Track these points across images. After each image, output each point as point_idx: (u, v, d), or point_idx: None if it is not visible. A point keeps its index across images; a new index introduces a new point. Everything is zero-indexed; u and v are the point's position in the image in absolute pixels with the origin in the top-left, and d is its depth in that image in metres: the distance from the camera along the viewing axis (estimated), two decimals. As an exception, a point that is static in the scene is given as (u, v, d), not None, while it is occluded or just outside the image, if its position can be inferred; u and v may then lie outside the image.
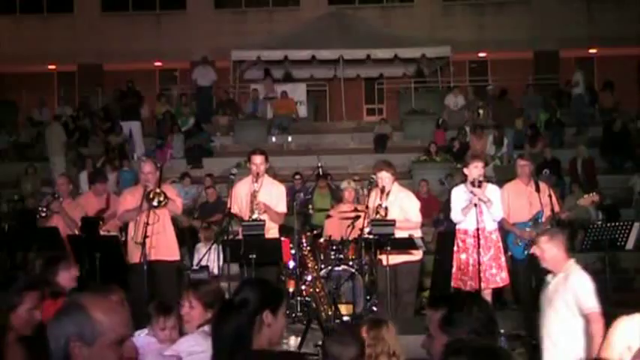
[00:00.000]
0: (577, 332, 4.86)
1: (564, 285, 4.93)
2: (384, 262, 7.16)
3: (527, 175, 7.96)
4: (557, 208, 7.84)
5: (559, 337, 4.97)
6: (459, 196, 7.60)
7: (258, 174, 7.46)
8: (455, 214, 7.60)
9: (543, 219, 7.70)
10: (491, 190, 7.59)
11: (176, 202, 7.58)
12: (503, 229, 7.87)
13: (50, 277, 4.70)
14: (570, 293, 4.87)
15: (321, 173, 11.22)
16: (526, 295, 7.64)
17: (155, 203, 7.23)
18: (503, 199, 7.81)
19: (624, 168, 15.22)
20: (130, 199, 7.60)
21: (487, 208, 7.35)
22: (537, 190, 7.74)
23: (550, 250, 5.02)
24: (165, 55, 21.86)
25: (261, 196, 7.41)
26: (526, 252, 7.61)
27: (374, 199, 7.51)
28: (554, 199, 7.93)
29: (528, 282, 7.45)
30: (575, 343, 4.85)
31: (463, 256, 7.52)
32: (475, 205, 7.28)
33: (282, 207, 7.63)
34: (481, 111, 17.50)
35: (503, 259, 7.53)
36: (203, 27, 21.39)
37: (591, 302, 4.80)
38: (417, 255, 7.46)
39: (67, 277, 4.91)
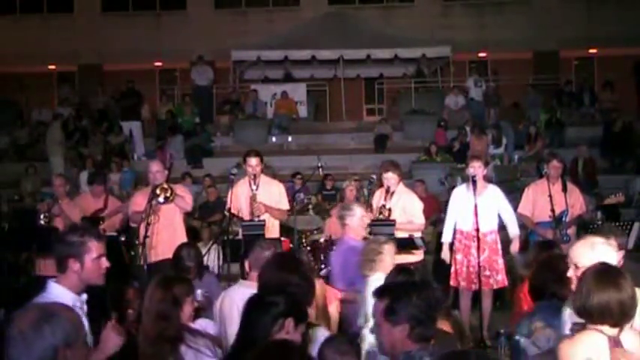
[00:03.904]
0: None
1: None
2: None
3: (557, 176, 7.96)
4: (583, 209, 7.90)
5: None
6: (457, 196, 7.63)
7: (254, 176, 7.40)
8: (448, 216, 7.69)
9: (568, 218, 7.70)
10: (491, 190, 7.60)
11: (185, 199, 7.46)
12: (527, 227, 7.94)
13: None
14: None
15: (321, 173, 11.21)
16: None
17: (161, 199, 7.14)
18: (527, 197, 7.91)
19: (625, 168, 15.20)
20: (141, 200, 7.48)
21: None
22: (564, 189, 7.77)
23: None
24: (165, 55, 21.82)
25: (261, 197, 7.35)
26: None
27: (378, 199, 7.47)
28: (581, 199, 7.99)
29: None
30: None
31: (459, 257, 7.53)
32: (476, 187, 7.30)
33: (283, 204, 7.57)
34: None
35: (500, 261, 7.48)
36: (203, 27, 21.35)
37: None
38: (417, 256, 7.32)
39: None
